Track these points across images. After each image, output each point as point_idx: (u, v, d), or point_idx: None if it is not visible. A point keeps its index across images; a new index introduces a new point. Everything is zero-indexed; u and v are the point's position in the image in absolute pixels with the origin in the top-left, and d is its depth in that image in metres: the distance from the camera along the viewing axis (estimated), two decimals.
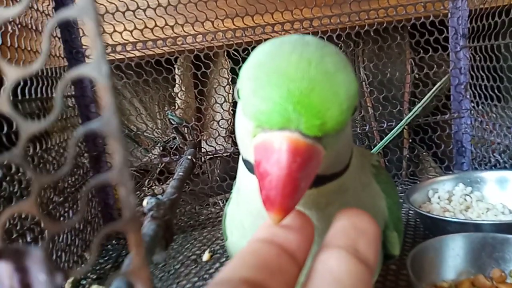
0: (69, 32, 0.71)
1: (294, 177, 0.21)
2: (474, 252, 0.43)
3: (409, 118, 0.79)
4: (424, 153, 0.87)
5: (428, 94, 0.79)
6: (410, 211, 0.67)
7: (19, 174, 0.48)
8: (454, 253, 0.43)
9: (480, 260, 0.43)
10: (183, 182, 0.48)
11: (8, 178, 0.45)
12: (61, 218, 0.56)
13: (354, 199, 0.30)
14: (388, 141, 0.80)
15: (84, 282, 0.54)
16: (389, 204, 0.34)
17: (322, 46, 0.24)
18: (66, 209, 0.58)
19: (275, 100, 0.22)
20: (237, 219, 0.34)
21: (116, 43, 0.73)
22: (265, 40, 0.76)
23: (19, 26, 0.53)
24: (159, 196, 0.36)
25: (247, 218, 0.32)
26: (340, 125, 0.23)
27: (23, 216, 0.45)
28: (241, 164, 0.30)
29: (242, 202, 0.32)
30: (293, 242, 0.21)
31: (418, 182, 0.77)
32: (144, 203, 0.35)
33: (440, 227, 0.52)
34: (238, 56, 0.75)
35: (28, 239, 0.44)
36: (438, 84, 0.77)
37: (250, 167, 0.28)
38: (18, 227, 0.44)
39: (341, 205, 0.25)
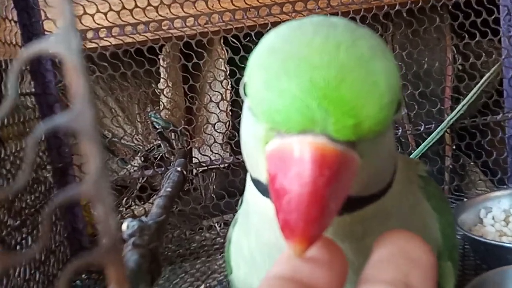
0: (28, 14, 0.70)
1: (321, 196, 0.20)
2: None
3: (452, 119, 0.78)
4: (471, 163, 0.86)
5: (475, 89, 0.78)
6: (457, 235, 0.66)
7: None
8: None
9: None
10: (172, 200, 0.48)
11: None
12: (18, 247, 0.55)
13: (400, 226, 0.29)
14: (426, 148, 0.79)
15: None
16: (442, 226, 0.33)
17: (353, 28, 0.23)
18: (24, 235, 0.57)
19: (294, 94, 0.21)
20: (245, 250, 0.33)
21: (87, 28, 0.73)
22: (272, 24, 0.76)
23: None
24: (143, 218, 0.35)
25: (259, 250, 0.31)
26: (381, 125, 0.22)
27: None
28: (249, 184, 0.29)
29: (252, 230, 0.31)
30: (321, 280, 0.20)
31: (465, 199, 0.76)
32: (124, 227, 0.34)
33: (497, 256, 0.51)
34: (238, 43, 0.75)
35: None
36: (487, 76, 0.76)
37: (262, 188, 0.27)
38: None
39: None
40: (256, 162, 0.25)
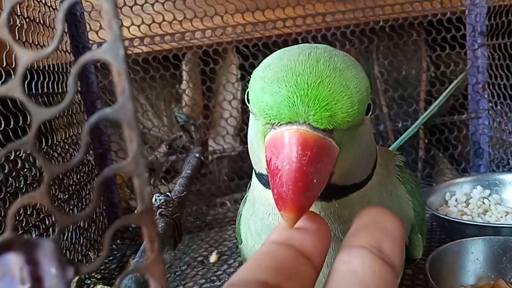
0: (75, 26, 0.71)
1: (305, 172, 0.21)
2: (494, 256, 0.42)
3: (425, 117, 0.78)
4: (441, 155, 0.86)
5: (445, 93, 0.77)
6: (426, 214, 0.66)
7: (25, 170, 0.48)
8: (473, 258, 0.42)
9: (501, 265, 0.42)
10: (192, 181, 0.48)
11: (14, 174, 0.45)
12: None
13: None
14: (403, 141, 0.79)
15: (88, 282, 0.54)
16: (414, 206, 0.34)
17: (331, 49, 0.25)
18: (71, 207, 0.59)
19: (283, 94, 0.22)
20: (252, 227, 0.33)
21: (124, 38, 0.73)
22: (276, 36, 0.76)
23: (27, 20, 0.53)
24: (168, 194, 0.36)
25: (263, 230, 0.31)
26: (351, 118, 0.23)
27: (28, 212, 0.45)
28: (254, 179, 0.30)
29: (258, 214, 0.31)
30: (310, 245, 0.20)
31: (434, 184, 0.76)
32: (153, 200, 0.35)
33: (457, 231, 0.51)
34: (248, 52, 0.75)
35: (34, 236, 0.44)
36: (455, 82, 0.76)
37: (264, 181, 0.28)
38: (23, 224, 0.44)
39: None
40: (259, 157, 0.26)
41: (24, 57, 0.14)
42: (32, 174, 0.46)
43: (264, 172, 0.26)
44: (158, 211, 0.34)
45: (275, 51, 0.26)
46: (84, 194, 0.64)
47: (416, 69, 0.83)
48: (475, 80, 0.78)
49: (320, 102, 0.22)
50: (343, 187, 0.26)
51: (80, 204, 0.62)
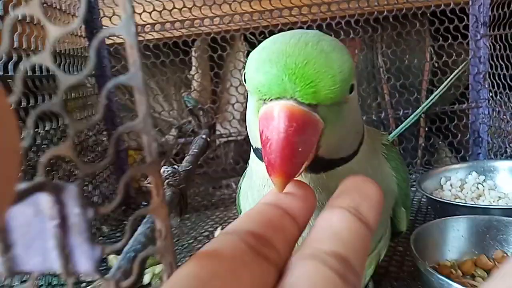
0: (90, 13, 0.74)
1: (291, 141, 0.24)
2: (478, 234, 0.45)
3: (425, 105, 0.79)
4: (440, 143, 0.88)
5: (446, 82, 0.79)
6: (423, 199, 0.68)
7: (43, 146, 0.52)
8: (458, 234, 0.45)
9: (484, 242, 0.44)
10: (198, 158, 0.51)
11: (32, 149, 0.48)
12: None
13: None
14: (404, 129, 0.80)
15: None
16: (398, 181, 0.36)
17: (320, 34, 0.27)
18: (86, 183, 0.62)
19: (273, 73, 0.25)
20: (250, 199, 0.36)
21: (136, 24, 0.76)
22: (282, 24, 0.78)
23: (44, 5, 0.56)
24: (175, 166, 0.39)
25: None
26: (333, 95, 0.25)
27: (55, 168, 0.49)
28: (252, 154, 0.33)
29: (255, 187, 0.34)
30: (296, 208, 0.22)
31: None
32: (161, 171, 0.38)
33: (449, 212, 0.53)
34: (255, 39, 0.77)
35: None
36: (456, 71, 0.77)
37: (260, 156, 0.30)
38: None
39: None
40: (255, 132, 0.28)
41: (53, 31, 0.17)
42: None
43: (260, 146, 0.29)
44: (166, 181, 0.37)
45: None
46: (98, 172, 0.67)
47: (419, 58, 0.84)
48: (477, 70, 0.80)
49: (305, 80, 0.24)
50: (330, 160, 0.29)
51: (94, 181, 0.65)
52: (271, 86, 0.25)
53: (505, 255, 0.42)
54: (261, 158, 0.30)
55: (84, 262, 0.17)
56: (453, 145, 0.85)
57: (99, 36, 0.17)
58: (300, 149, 0.24)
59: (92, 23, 0.74)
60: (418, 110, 0.79)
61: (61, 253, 0.17)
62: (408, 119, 0.80)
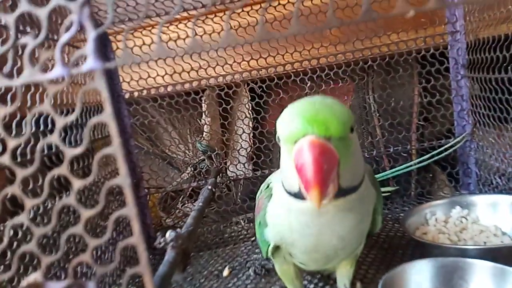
0: (111, 79, 0.83)
1: (318, 159, 0.35)
2: (446, 274, 0.48)
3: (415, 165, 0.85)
4: (439, 171, 0.91)
5: (446, 146, 0.84)
6: (405, 234, 0.70)
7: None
8: (424, 277, 0.48)
9: (452, 281, 0.48)
10: (202, 212, 0.58)
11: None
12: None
13: (366, 204, 0.46)
14: (394, 175, 0.86)
15: None
16: (377, 197, 0.49)
17: (324, 97, 0.41)
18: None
19: (298, 124, 0.37)
20: (283, 219, 0.46)
21: (150, 86, 0.85)
22: (277, 78, 0.85)
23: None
24: (178, 230, 0.46)
25: (298, 226, 0.45)
26: (340, 131, 0.37)
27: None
28: (282, 197, 0.45)
29: (293, 215, 0.45)
30: None
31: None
32: (167, 235, 0.45)
33: (428, 251, 0.56)
34: (256, 92, 0.85)
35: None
36: (452, 143, 0.83)
37: (296, 195, 0.41)
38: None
39: (360, 210, 0.44)
40: (291, 178, 0.40)
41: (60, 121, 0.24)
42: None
43: (297, 190, 0.40)
44: (171, 244, 0.44)
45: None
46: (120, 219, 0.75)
47: (408, 98, 0.89)
48: (460, 107, 0.84)
49: (318, 122, 0.37)
50: (347, 189, 0.40)
51: (119, 228, 0.73)
52: (299, 131, 0.37)
53: None
54: (296, 196, 0.41)
55: None
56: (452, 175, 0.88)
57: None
58: (325, 167, 0.35)
59: (113, 87, 0.84)
60: (407, 164, 0.85)
61: None
62: (402, 166, 0.85)
